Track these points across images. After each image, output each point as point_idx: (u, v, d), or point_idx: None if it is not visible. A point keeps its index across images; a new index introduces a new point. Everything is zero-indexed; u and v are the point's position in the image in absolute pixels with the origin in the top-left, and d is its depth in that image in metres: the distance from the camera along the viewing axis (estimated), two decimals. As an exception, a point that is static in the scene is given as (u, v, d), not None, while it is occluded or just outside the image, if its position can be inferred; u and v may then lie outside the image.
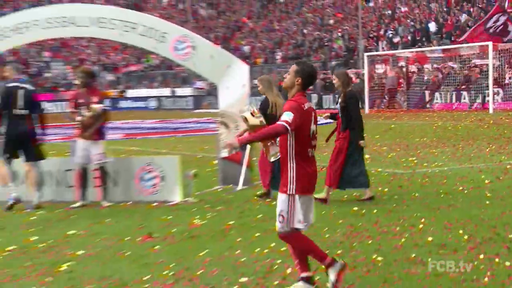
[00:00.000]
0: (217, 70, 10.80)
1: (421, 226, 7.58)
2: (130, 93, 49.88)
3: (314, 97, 35.40)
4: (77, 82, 10.08)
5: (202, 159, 15.29)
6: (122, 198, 9.95)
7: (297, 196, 5.20)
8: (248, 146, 10.63)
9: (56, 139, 22.03)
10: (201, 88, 46.79)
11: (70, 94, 10.31)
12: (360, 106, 9.64)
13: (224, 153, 5.29)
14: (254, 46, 50.15)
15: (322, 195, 9.11)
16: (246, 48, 49.71)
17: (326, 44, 45.16)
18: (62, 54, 54.69)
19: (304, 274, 5.37)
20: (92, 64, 53.45)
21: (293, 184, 5.20)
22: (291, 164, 5.21)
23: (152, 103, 46.25)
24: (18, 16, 11.49)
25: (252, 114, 5.63)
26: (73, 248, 7.09)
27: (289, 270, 5.93)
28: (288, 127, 5.09)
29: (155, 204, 9.64)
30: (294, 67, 5.36)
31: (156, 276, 5.90)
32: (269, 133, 5.19)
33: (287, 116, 5.11)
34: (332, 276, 5.28)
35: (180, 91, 47.77)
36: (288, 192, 5.21)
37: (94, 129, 9.64)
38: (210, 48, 11.09)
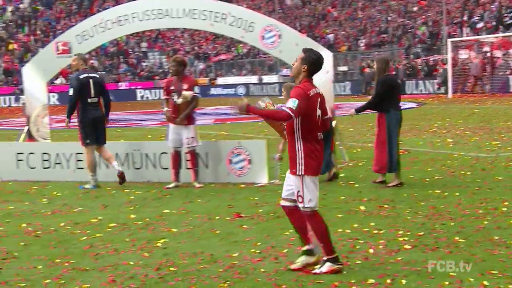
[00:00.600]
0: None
1: (504, 208, 7.32)
2: (220, 80, 50.47)
3: (397, 83, 34.65)
4: (170, 70, 10.24)
5: (287, 143, 15.30)
6: (212, 179, 10.10)
7: (307, 178, 5.18)
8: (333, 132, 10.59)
9: (152, 124, 22.63)
10: (287, 75, 46.74)
11: (164, 82, 10.47)
12: (395, 93, 9.10)
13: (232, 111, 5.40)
14: (338, 34, 49.58)
15: (394, 181, 9.09)
16: (331, 36, 49.20)
17: (409, 30, 44.07)
18: (159, 44, 55.87)
19: (306, 247, 5.33)
20: (186, 54, 54.35)
21: (301, 165, 5.18)
22: (299, 146, 5.20)
23: (241, 90, 46.63)
24: (119, 9, 11.85)
25: (265, 107, 5.66)
26: (168, 226, 7.26)
27: (371, 250, 5.86)
28: (292, 114, 5.09)
29: (243, 185, 9.73)
30: (301, 55, 5.29)
31: (244, 253, 5.96)
32: (274, 115, 5.26)
33: (292, 103, 5.09)
34: (324, 268, 5.21)
35: (266, 78, 47.92)
36: (297, 173, 5.20)
37: (185, 115, 9.78)
38: (295, 36, 11.06)
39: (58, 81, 44.80)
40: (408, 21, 45.49)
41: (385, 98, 9.04)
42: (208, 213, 7.85)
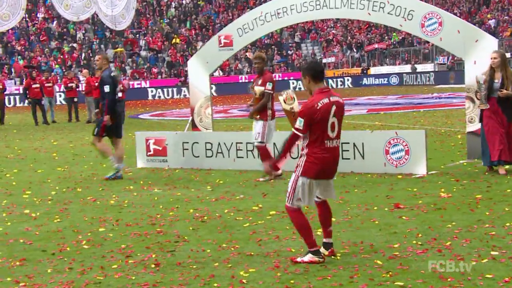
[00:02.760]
0: (464, 44, 10.30)
1: None
2: (373, 70, 49.75)
3: None
4: (256, 67, 10.09)
5: (445, 133, 14.82)
6: (369, 169, 9.99)
7: (301, 179, 5.42)
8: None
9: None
10: (443, 64, 45.10)
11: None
12: None
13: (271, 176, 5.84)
14: (501, 19, 46.87)
15: None
16: (493, 22, 46.67)
17: None
18: (312, 35, 56.13)
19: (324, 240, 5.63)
20: (338, 44, 54.14)
21: (301, 168, 5.44)
22: (305, 151, 5.44)
23: (394, 79, 45.69)
24: (278, 1, 11.99)
25: (284, 101, 5.84)
26: (326, 214, 7.28)
27: (543, 246, 5.53)
28: (300, 134, 5.37)
29: (400, 176, 9.55)
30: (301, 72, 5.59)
31: (406, 244, 5.86)
32: (290, 145, 5.47)
33: (299, 123, 5.37)
34: (306, 257, 5.47)
35: (421, 67, 46.51)
36: (296, 173, 5.47)
37: (255, 110, 9.81)
38: (458, 23, 10.62)
39: (216, 73, 46.54)
40: None
41: None
42: (366, 203, 7.80)
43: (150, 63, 49.52)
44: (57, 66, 46.34)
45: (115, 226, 7.27)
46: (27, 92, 24.58)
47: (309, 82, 5.48)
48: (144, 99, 41.09)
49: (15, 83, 43.24)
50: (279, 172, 9.86)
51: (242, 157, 11.18)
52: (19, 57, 47.14)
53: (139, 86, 44.82)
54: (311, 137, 5.41)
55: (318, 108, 5.35)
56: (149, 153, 11.98)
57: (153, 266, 5.60)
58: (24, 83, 30.96)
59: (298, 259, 5.53)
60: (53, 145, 16.93)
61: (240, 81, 46.87)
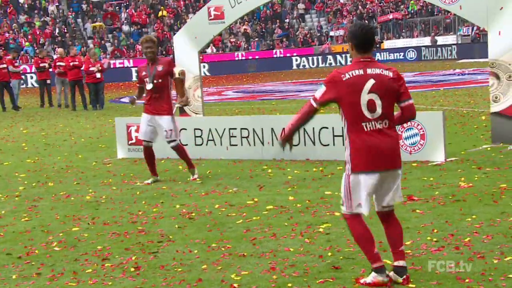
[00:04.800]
0: (488, 13, 10.26)
1: None
2: (387, 44, 49.62)
3: None
4: (147, 53, 9.40)
5: (467, 114, 14.83)
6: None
7: (352, 176, 4.90)
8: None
9: (310, 96, 22.77)
10: (466, 35, 45.03)
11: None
12: None
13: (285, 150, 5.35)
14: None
15: None
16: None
17: None
18: (317, 5, 55.94)
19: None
20: (348, 14, 53.99)
21: (349, 164, 4.94)
22: (347, 141, 4.97)
23: (411, 54, 45.60)
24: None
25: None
26: (330, 209, 7.31)
27: None
28: (313, 103, 4.98)
29: (415, 164, 9.55)
30: None
31: (420, 242, 5.87)
32: (303, 115, 5.05)
33: (318, 91, 5.01)
34: (369, 278, 4.98)
35: (441, 40, 46.40)
36: (345, 172, 4.97)
37: (187, 95, 9.54)
38: (479, -11, 10.58)
39: (209, 50, 46.45)
40: None
41: None
42: (376, 195, 7.79)
43: (134, 39, 49.41)
44: (27, 44, 46.24)
45: (91, 225, 7.29)
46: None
47: (352, 49, 5.00)
48: (127, 81, 41.03)
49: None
50: (158, 177, 9.69)
51: (236, 145, 11.18)
52: (-16, 34, 47.02)
53: (121, 65, 44.76)
54: (348, 120, 4.91)
55: (344, 79, 4.87)
56: (130, 142, 11.97)
57: (132, 270, 5.62)
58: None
59: (362, 281, 5.06)
60: (23, 133, 16.96)
61: (237, 58, 46.82)
